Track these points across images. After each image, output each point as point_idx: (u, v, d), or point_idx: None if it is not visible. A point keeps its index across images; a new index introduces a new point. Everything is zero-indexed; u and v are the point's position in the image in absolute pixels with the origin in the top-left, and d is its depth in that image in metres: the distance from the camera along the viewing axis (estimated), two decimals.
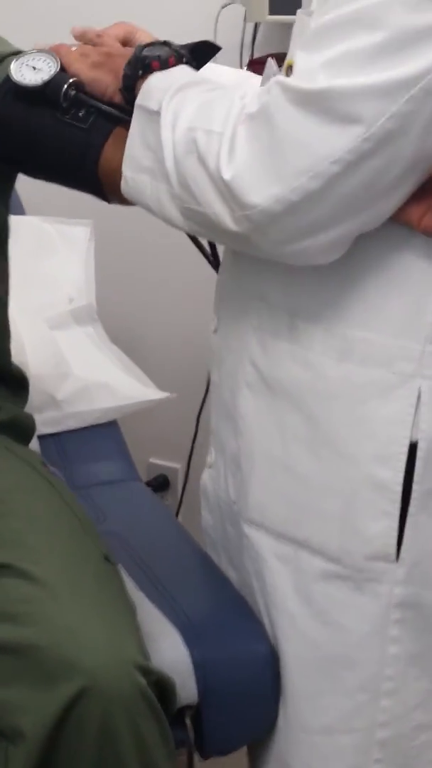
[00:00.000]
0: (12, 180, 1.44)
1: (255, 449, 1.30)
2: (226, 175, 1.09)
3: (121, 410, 1.89)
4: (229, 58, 2.11)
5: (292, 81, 1.07)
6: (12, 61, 1.31)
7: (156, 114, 1.16)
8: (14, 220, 2.06)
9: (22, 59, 1.31)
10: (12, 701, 1.12)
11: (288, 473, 1.26)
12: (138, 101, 1.20)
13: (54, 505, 1.30)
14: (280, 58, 1.23)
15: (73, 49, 1.30)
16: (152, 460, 2.57)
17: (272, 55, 1.95)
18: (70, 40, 1.34)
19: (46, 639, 1.13)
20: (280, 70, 1.22)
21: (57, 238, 2.12)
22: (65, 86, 1.27)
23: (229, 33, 2.12)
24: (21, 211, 2.13)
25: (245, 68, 2.11)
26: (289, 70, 1.18)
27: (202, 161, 1.11)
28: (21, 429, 1.50)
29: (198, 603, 1.38)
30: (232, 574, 1.40)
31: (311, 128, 1.05)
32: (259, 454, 1.29)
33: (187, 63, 1.23)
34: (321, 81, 1.05)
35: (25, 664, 1.13)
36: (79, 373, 1.89)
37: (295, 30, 1.22)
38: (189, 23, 2.11)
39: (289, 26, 1.26)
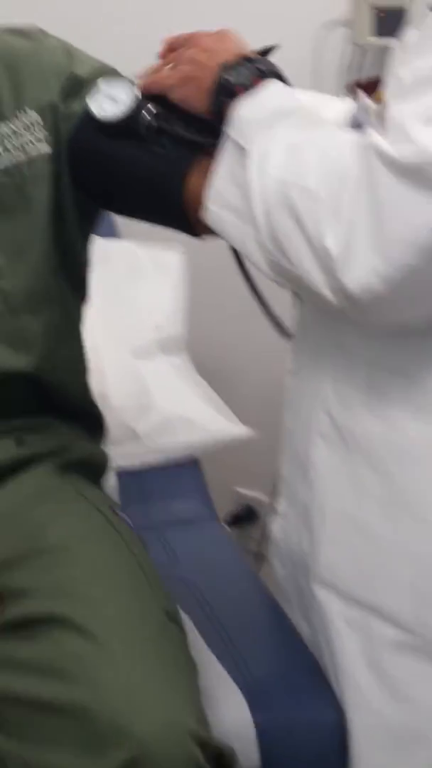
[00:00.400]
0: (94, 220, 1.40)
1: (327, 503, 1.23)
2: (330, 243, 1.02)
3: (203, 446, 1.83)
4: (330, 80, 2.08)
5: (391, 149, 1.00)
6: (91, 91, 1.27)
7: (244, 150, 1.11)
8: (107, 245, 2.04)
9: (101, 89, 1.27)
10: (56, 765, 1.07)
11: (361, 533, 1.19)
12: (227, 131, 1.14)
13: (119, 556, 1.24)
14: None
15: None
16: (238, 489, 2.50)
17: (370, 81, 1.90)
18: None
19: (97, 701, 1.08)
20: (371, 103, 1.16)
21: (149, 263, 2.08)
22: (145, 116, 1.22)
23: (329, 55, 2.07)
24: (115, 235, 2.09)
25: (345, 91, 2.04)
26: (381, 105, 1.12)
27: (298, 221, 1.05)
28: (93, 469, 1.45)
29: (266, 662, 1.32)
30: (304, 629, 1.33)
31: (413, 201, 0.99)
32: (331, 510, 1.23)
33: (269, 74, 1.17)
34: (419, 142, 0.98)
35: (73, 725, 1.07)
36: (162, 405, 1.84)
37: (395, 61, 1.15)
38: (288, 44, 2.05)
39: (392, 50, 1.19)
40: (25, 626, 1.16)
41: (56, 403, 1.41)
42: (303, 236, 1.04)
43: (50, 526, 1.26)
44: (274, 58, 1.22)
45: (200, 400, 1.90)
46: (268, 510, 2.46)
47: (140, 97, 1.24)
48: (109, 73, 1.32)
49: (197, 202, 1.19)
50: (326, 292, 1.05)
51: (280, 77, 1.17)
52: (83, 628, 1.13)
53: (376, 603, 1.18)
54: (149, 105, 1.24)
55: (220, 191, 1.13)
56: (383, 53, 1.97)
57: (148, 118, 1.23)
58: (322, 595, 1.24)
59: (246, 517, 2.47)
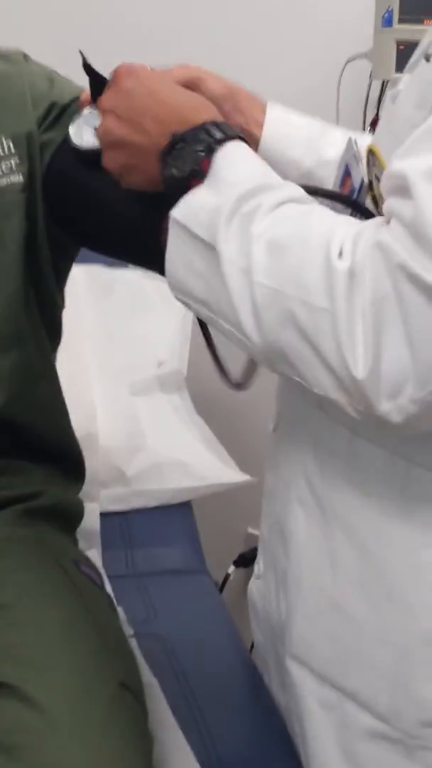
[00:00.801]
0: (69, 256, 1.32)
1: (303, 576, 1.14)
2: (354, 369, 0.89)
3: (195, 492, 1.75)
4: (353, 115, 2.00)
5: (425, 273, 0.86)
6: (72, 118, 1.19)
7: (206, 245, 0.97)
8: (111, 275, 1.97)
9: (84, 117, 1.19)
10: None
11: (336, 612, 1.09)
12: (175, 215, 1.00)
13: (75, 619, 1.15)
14: None
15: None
16: (251, 530, 2.41)
17: None
18: None
19: None
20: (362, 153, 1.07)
21: (155, 296, 2.00)
22: None
23: (353, 89, 1.99)
24: (120, 264, 2.01)
25: (369, 127, 1.96)
26: (371, 156, 1.03)
27: (310, 343, 0.92)
28: (65, 516, 1.37)
29: (233, 740, 1.22)
30: (281, 700, 1.24)
31: None
32: (307, 583, 1.13)
33: (218, 141, 1.01)
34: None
35: None
36: (155, 447, 1.76)
37: (383, 114, 1.06)
38: (311, 78, 2.01)
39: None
40: None
41: (29, 444, 1.34)
42: (318, 358, 0.92)
43: (4, 582, 1.17)
44: (299, 89, 1.11)
45: (196, 442, 1.82)
46: None
47: None
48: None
49: None
50: (348, 410, 0.94)
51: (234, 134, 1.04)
52: (31, 698, 1.05)
53: (351, 688, 1.09)
54: None
55: (181, 282, 1.01)
56: None
57: None
58: (296, 671, 1.15)
59: (256, 557, 2.38)
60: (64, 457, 1.40)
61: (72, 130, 1.18)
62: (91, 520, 1.61)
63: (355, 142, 1.09)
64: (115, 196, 1.16)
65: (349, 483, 1.06)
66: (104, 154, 1.09)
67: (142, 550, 1.64)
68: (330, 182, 1.18)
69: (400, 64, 1.78)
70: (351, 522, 1.06)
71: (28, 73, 1.25)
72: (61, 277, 1.32)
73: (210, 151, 1.00)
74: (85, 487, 1.48)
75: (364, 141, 1.19)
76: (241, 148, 1.01)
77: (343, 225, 0.94)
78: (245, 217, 0.95)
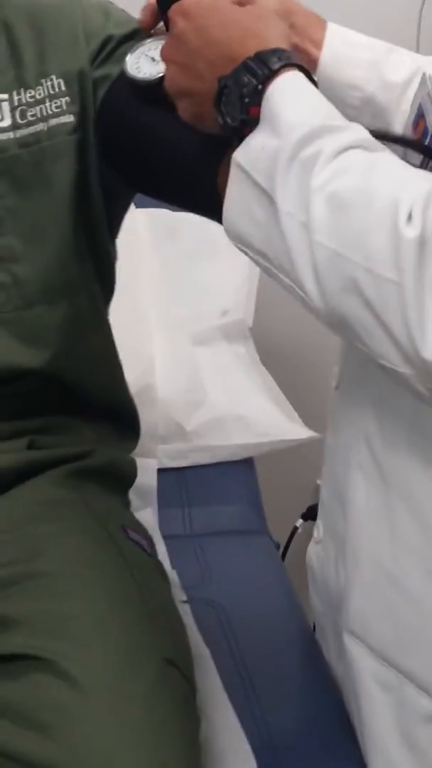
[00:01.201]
0: (123, 201, 1.24)
1: (361, 547, 1.06)
2: (428, 352, 0.82)
3: (258, 448, 1.67)
4: None
5: None
6: (130, 50, 1.11)
7: (266, 194, 0.89)
8: (175, 218, 1.89)
9: (142, 48, 1.10)
10: None
11: (396, 588, 1.02)
12: (237, 158, 0.92)
13: (119, 589, 1.09)
14: None
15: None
16: (320, 482, 2.33)
17: None
18: None
19: (72, 764, 0.94)
20: None
21: (222, 241, 1.90)
22: None
23: None
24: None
25: None
26: None
27: (375, 314, 0.84)
28: (116, 477, 1.30)
29: (287, 718, 1.15)
30: (339, 671, 1.17)
31: None
32: (366, 556, 1.06)
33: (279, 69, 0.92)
34: None
35: None
36: (216, 400, 1.68)
37: None
38: (389, 14, 1.89)
39: None
40: (10, 660, 1.03)
41: (78, 401, 1.27)
42: (383, 331, 0.84)
43: (48, 547, 1.11)
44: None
45: (260, 395, 1.74)
46: None
47: None
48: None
49: None
50: (415, 386, 0.87)
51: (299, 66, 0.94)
52: (69, 675, 0.99)
53: (410, 669, 1.02)
54: None
55: (239, 229, 0.93)
56: None
57: None
58: (353, 647, 1.08)
59: None
60: (117, 414, 1.34)
61: (129, 61, 1.10)
62: (147, 477, 1.56)
63: (431, 78, 0.99)
64: (173, 134, 1.08)
65: (412, 450, 0.98)
66: (177, 105, 1.01)
67: (200, 509, 1.58)
68: (395, 107, 1.09)
69: None
70: (412, 492, 0.99)
71: (81, 6, 1.17)
72: (114, 225, 1.24)
73: (256, 94, 0.91)
74: (143, 442, 1.41)
75: (415, 66, 1.09)
76: (296, 81, 0.92)
77: (413, 182, 0.85)
78: (304, 166, 0.87)
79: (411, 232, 0.81)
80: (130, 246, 1.32)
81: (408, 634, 1.01)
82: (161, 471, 1.59)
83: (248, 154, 0.91)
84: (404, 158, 1.03)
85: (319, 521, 1.19)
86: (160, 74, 1.07)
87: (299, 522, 2.22)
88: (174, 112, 1.03)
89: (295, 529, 2.22)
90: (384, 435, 1.02)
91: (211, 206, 1.12)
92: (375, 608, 1.05)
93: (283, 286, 0.91)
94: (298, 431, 1.69)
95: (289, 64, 0.92)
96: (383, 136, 0.96)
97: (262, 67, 0.91)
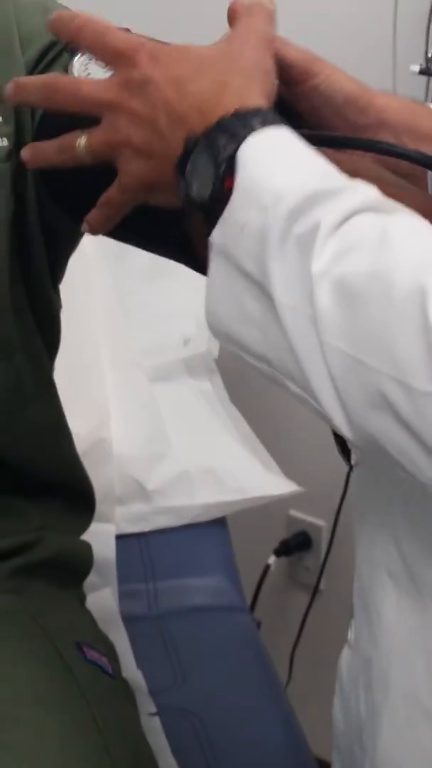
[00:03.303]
0: (69, 240, 1.04)
1: (391, 675, 0.86)
2: None
3: (231, 507, 1.48)
4: (412, 51, 1.69)
5: None
6: (76, 55, 0.88)
7: (256, 283, 0.71)
8: None
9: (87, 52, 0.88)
10: None
11: None
12: (216, 239, 0.74)
13: (76, 736, 0.88)
14: None
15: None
16: (292, 512, 2.18)
17: None
18: None
19: None
20: None
21: None
22: None
23: (412, 22, 1.68)
24: None
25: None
26: None
27: (413, 433, 0.68)
28: (69, 568, 1.11)
29: None
30: None
31: None
32: (396, 687, 0.86)
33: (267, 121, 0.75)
34: None
35: None
36: (181, 451, 1.50)
37: None
38: (363, 9, 1.73)
39: None
40: None
41: (20, 480, 1.08)
42: (425, 453, 0.67)
43: None
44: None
45: (232, 441, 1.55)
46: (325, 536, 2.16)
47: None
48: None
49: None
50: None
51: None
52: None
53: None
54: None
55: (228, 328, 0.75)
56: None
57: None
58: None
59: (300, 545, 2.17)
60: (68, 489, 1.14)
61: (76, 65, 0.88)
62: (104, 547, 1.37)
63: None
64: None
65: None
66: (120, 167, 0.81)
67: (167, 582, 1.38)
68: None
69: None
70: None
71: (14, 6, 0.98)
72: (56, 271, 1.05)
73: (234, 161, 0.72)
74: (98, 506, 1.22)
75: None
76: (278, 139, 0.74)
77: None
78: (301, 245, 0.69)
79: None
80: (75, 266, 1.14)
81: None
82: (120, 538, 1.40)
83: (227, 233, 0.73)
84: None
85: (352, 621, 0.98)
86: None
87: (272, 559, 2.08)
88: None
89: (267, 567, 2.06)
90: (416, 536, 0.82)
91: (179, 248, 0.92)
92: (409, 750, 0.86)
93: (294, 396, 0.72)
94: (277, 485, 1.51)
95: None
96: (389, 152, 0.80)
97: (244, 129, 0.73)
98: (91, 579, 1.24)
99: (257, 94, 0.77)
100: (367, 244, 0.68)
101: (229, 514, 1.53)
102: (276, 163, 0.73)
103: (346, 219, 0.69)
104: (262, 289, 0.71)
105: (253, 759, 1.08)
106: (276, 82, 0.82)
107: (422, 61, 1.68)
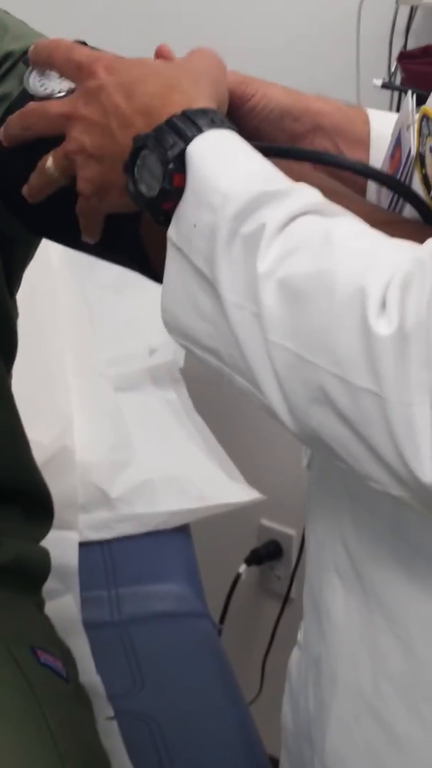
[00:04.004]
0: (24, 250, 1.04)
1: (339, 672, 0.87)
2: (426, 475, 0.66)
3: (194, 514, 1.48)
4: (377, 49, 1.70)
5: None
6: (31, 68, 0.90)
7: (206, 279, 0.73)
8: None
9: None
10: None
11: (377, 724, 0.83)
12: (171, 236, 0.75)
13: (30, 740, 0.89)
14: None
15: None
16: (263, 521, 2.18)
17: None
18: None
19: None
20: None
21: None
22: None
23: (377, 19, 1.69)
24: None
25: (395, 62, 1.66)
26: (426, 122, 0.75)
27: (353, 430, 0.69)
28: (26, 574, 1.11)
29: None
30: None
31: None
32: (343, 683, 0.87)
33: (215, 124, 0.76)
34: None
35: None
36: (144, 459, 1.50)
37: None
38: (329, 7, 1.73)
39: None
40: None
41: None
42: (365, 449, 0.68)
43: None
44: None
45: (196, 450, 1.55)
46: (296, 545, 2.16)
47: None
48: None
49: (159, 246, 0.81)
50: (413, 507, 0.71)
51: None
52: None
53: None
54: None
55: (180, 322, 0.77)
56: None
57: None
58: None
59: (271, 554, 2.17)
60: (25, 496, 1.15)
61: (31, 76, 0.90)
62: (67, 554, 1.37)
63: (413, 99, 0.80)
64: None
65: (395, 558, 0.80)
66: (78, 175, 0.82)
67: (129, 588, 1.38)
68: None
69: None
70: (395, 609, 0.80)
71: None
72: (13, 280, 1.05)
73: (183, 159, 0.74)
74: (60, 513, 1.22)
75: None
76: (225, 140, 0.76)
77: (383, 257, 0.68)
78: (247, 245, 0.71)
79: (385, 328, 0.65)
80: (43, 280, 1.15)
81: None
82: (83, 545, 1.40)
83: (181, 231, 0.74)
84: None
85: (302, 622, 0.99)
86: (67, 91, 0.87)
87: (242, 568, 2.08)
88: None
89: (238, 576, 2.06)
90: (362, 536, 0.83)
91: (133, 256, 0.93)
92: (354, 746, 0.86)
93: (241, 390, 0.73)
94: (239, 492, 1.51)
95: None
96: (340, 165, 0.82)
97: (191, 128, 0.75)
98: (54, 585, 1.25)
99: (206, 96, 0.79)
100: (311, 245, 0.69)
101: (199, 524, 1.54)
102: (224, 164, 0.74)
103: (290, 220, 0.71)
104: (212, 286, 0.72)
105: (208, 761, 1.08)
106: (227, 92, 0.84)
107: (385, 75, 1.71)
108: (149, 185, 0.75)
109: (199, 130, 0.74)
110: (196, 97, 0.78)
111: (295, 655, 1.00)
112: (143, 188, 0.76)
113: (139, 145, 0.76)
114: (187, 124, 0.75)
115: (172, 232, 0.75)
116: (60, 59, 0.85)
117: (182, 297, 0.75)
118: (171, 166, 0.74)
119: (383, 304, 0.65)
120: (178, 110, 0.76)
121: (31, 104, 0.87)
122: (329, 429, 0.68)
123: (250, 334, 0.70)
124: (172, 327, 0.78)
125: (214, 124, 0.76)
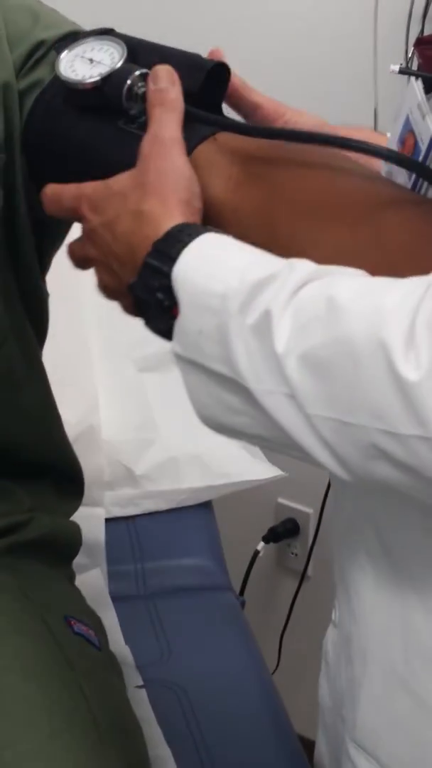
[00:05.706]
0: (56, 231, 1.06)
1: (369, 649, 0.89)
2: None
3: (216, 491, 1.51)
4: (394, 35, 1.70)
5: None
6: (65, 48, 0.92)
7: (228, 379, 0.74)
8: None
9: (78, 49, 0.92)
10: None
11: (411, 698, 0.85)
12: (177, 351, 0.77)
13: (65, 704, 0.92)
14: None
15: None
16: (281, 500, 2.20)
17: None
18: None
19: None
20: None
21: None
22: (130, 81, 0.88)
23: (393, 5, 1.68)
24: None
25: (411, 48, 1.67)
26: None
27: (414, 474, 0.70)
28: (57, 548, 1.13)
29: None
30: None
31: None
32: (374, 658, 0.89)
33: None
34: None
35: None
36: (168, 438, 1.51)
37: None
38: (345, 11, 1.74)
39: None
40: None
41: (11, 462, 1.11)
42: (420, 481, 0.70)
43: None
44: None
45: None
46: (313, 523, 2.17)
47: (129, 61, 0.89)
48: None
49: None
50: None
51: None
52: None
53: None
54: (139, 73, 0.89)
55: (218, 421, 0.78)
56: None
57: (132, 83, 0.88)
58: (360, 760, 0.91)
59: (288, 532, 2.18)
60: (57, 472, 1.17)
61: (63, 60, 0.91)
62: (94, 530, 1.39)
63: (420, 85, 0.82)
64: (115, 153, 0.89)
65: (427, 537, 0.81)
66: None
67: (154, 563, 1.41)
68: None
69: None
70: (427, 585, 0.82)
71: (1, 7, 0.98)
72: (45, 262, 1.07)
73: (171, 293, 0.75)
74: (88, 491, 1.25)
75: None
76: (204, 247, 0.77)
77: (389, 299, 0.68)
78: (259, 333, 0.71)
79: (414, 373, 0.66)
80: (65, 261, 1.16)
81: (424, 752, 0.85)
82: (109, 521, 1.43)
83: (187, 344, 0.76)
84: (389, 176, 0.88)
85: (336, 601, 1.01)
86: (99, 77, 0.89)
87: (260, 545, 2.10)
88: (118, 117, 0.88)
89: (257, 553, 2.08)
90: (392, 515, 0.85)
91: None
92: (386, 719, 0.88)
93: (296, 458, 0.75)
94: (261, 470, 1.53)
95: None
96: (354, 147, 0.82)
97: (166, 262, 0.76)
98: (82, 560, 1.27)
99: (173, 209, 0.80)
100: (318, 315, 0.70)
101: (218, 502, 1.56)
102: (210, 270, 0.75)
103: (292, 296, 0.71)
104: (236, 383, 0.73)
105: (234, 727, 1.12)
106: (197, 188, 0.84)
107: (402, 61, 1.72)
108: (156, 325, 0.79)
109: (173, 260, 0.75)
110: (163, 219, 0.79)
111: (331, 633, 1.02)
112: (152, 327, 0.80)
113: (135, 296, 0.79)
114: (162, 260, 0.76)
115: (176, 348, 0.77)
116: (55, 210, 0.88)
117: (209, 401, 0.76)
118: (166, 303, 0.76)
119: (409, 349, 0.66)
120: (149, 246, 0.78)
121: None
122: (392, 479, 0.70)
123: (289, 414, 0.71)
124: (212, 426, 0.79)
125: (188, 239, 0.76)
